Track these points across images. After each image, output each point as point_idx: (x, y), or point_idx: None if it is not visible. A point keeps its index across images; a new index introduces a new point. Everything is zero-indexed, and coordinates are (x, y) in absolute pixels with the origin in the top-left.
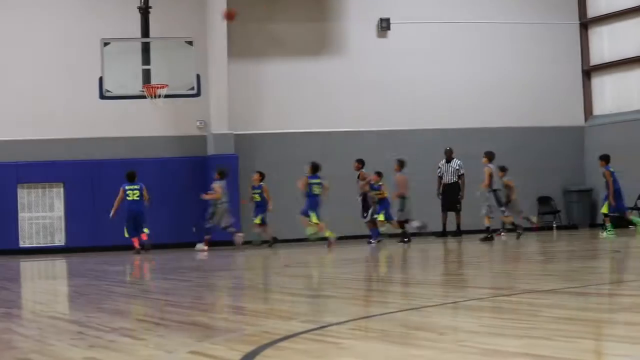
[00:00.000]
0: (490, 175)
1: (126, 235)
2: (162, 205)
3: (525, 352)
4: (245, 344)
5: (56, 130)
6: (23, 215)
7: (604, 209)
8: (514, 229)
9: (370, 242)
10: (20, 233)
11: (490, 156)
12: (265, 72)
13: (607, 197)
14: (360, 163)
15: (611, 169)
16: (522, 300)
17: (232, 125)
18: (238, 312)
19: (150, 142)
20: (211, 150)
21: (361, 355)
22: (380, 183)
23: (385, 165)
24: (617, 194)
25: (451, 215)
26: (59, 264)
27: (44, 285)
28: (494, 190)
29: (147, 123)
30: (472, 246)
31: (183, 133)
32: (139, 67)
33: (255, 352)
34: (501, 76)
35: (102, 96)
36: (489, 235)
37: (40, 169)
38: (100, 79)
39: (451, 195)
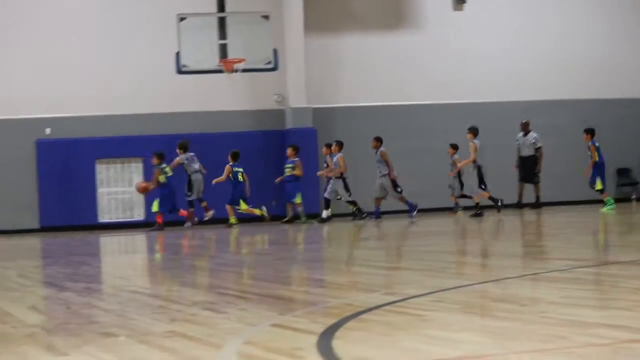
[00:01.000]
0: (476, 151)
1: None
2: None
3: (606, 322)
4: (327, 316)
5: (134, 105)
6: (102, 191)
7: (598, 186)
8: (493, 204)
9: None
10: (99, 208)
11: (474, 132)
12: (342, 46)
13: (595, 174)
14: (379, 141)
15: (597, 144)
16: (602, 271)
17: (310, 98)
18: (319, 284)
19: (228, 116)
20: (289, 124)
21: (444, 327)
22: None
23: (458, 138)
24: (601, 167)
25: (529, 187)
26: (139, 239)
27: (124, 259)
28: (479, 166)
29: (225, 97)
30: (551, 218)
31: (261, 107)
32: (215, 42)
33: (337, 325)
34: (577, 48)
35: (179, 71)
36: (478, 212)
37: (118, 144)
38: (177, 54)
39: (528, 168)
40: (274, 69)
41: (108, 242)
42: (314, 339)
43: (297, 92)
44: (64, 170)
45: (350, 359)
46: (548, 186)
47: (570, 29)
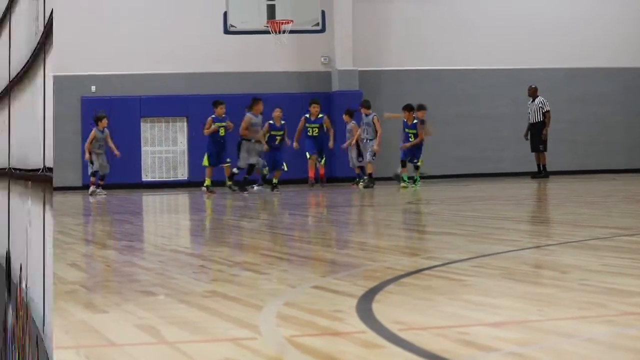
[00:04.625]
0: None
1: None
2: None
3: None
4: (368, 279)
5: (180, 64)
6: (146, 149)
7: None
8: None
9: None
10: (143, 167)
11: (350, 113)
12: (390, 8)
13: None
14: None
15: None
16: None
17: (356, 61)
18: (361, 248)
19: (274, 77)
20: (335, 86)
21: (485, 292)
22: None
23: (504, 104)
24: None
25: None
26: (182, 198)
27: (167, 219)
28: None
29: (271, 58)
30: (592, 186)
31: (307, 69)
32: (263, 3)
33: (378, 288)
34: (617, 11)
35: (227, 31)
36: (359, 181)
37: (163, 103)
38: (225, 14)
39: (535, 134)
40: (321, 30)
41: (151, 201)
42: (353, 302)
43: (344, 54)
44: (108, 128)
45: (389, 322)
46: (589, 154)
47: None
